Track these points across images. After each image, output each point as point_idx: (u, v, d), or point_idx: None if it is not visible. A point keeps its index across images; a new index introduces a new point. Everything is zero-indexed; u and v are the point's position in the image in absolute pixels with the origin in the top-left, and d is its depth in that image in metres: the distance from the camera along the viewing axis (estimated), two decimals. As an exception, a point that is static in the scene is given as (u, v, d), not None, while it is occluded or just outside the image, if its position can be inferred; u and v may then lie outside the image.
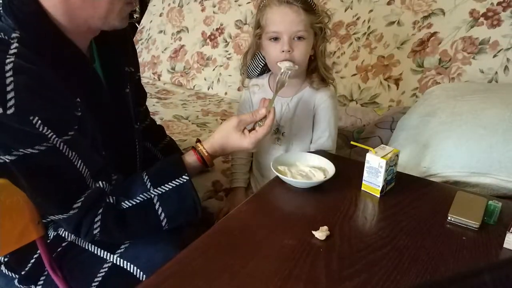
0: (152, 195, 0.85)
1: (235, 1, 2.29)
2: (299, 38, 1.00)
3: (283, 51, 0.99)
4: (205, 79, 2.28)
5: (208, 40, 2.33)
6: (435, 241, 0.74)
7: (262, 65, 1.12)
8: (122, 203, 0.84)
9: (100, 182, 0.83)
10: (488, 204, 0.80)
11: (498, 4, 1.57)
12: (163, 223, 0.86)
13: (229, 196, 1.25)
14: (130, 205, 0.84)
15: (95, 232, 0.82)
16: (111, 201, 0.84)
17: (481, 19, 1.59)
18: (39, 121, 0.73)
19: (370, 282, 0.65)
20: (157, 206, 0.85)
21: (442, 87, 1.45)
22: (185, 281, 0.66)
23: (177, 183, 0.87)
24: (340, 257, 0.70)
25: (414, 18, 1.74)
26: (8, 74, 0.70)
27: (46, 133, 0.74)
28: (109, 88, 0.92)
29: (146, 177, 0.87)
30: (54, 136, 0.75)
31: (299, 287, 0.64)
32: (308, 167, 0.95)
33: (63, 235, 0.93)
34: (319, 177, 0.91)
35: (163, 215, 0.85)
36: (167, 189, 0.86)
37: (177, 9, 2.52)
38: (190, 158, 0.94)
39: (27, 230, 0.82)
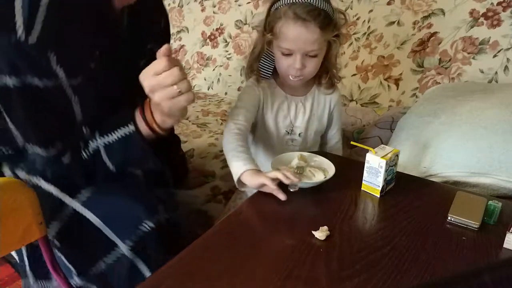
0: (100, 145, 0.88)
1: (235, 1, 2.29)
2: (312, 56, 0.99)
3: (294, 67, 0.98)
4: (205, 79, 2.28)
5: (208, 40, 2.33)
6: (435, 241, 0.74)
7: (274, 64, 1.07)
8: (85, 149, 0.87)
9: (84, 128, 0.86)
10: (488, 204, 0.80)
11: (498, 4, 1.57)
12: (111, 169, 0.89)
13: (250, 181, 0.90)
14: (88, 152, 0.87)
15: (60, 172, 0.86)
16: (82, 147, 0.87)
17: (481, 19, 1.59)
18: (55, 58, 0.75)
19: (370, 282, 0.65)
20: (104, 157, 0.88)
21: (442, 87, 1.45)
22: (185, 281, 0.65)
23: (124, 134, 0.87)
24: (340, 257, 0.70)
25: (414, 18, 1.74)
26: (42, 2, 0.72)
27: (58, 72, 0.77)
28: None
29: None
30: (64, 76, 0.78)
31: (299, 287, 0.64)
32: (308, 167, 0.96)
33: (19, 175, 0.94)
34: (319, 177, 0.91)
35: (111, 166, 0.89)
36: (113, 139, 0.87)
37: (177, 9, 2.52)
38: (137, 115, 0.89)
39: (29, 230, 0.82)
